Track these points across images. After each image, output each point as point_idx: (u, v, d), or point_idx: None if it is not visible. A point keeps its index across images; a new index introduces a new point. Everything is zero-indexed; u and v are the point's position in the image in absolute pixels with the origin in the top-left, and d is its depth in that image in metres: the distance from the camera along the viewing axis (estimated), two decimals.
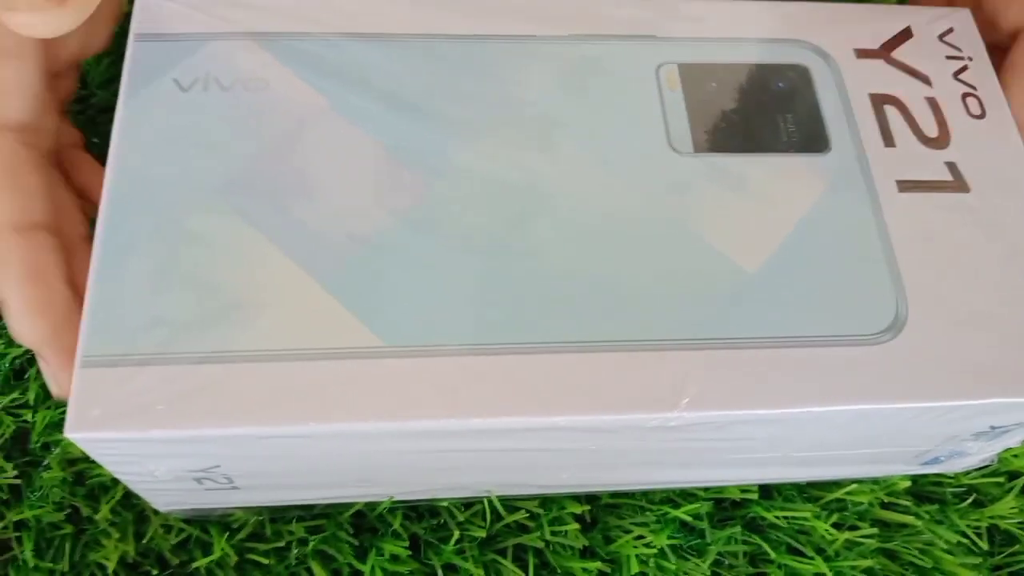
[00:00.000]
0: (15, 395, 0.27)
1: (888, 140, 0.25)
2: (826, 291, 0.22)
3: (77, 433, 0.19)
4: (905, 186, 0.24)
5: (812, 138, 0.25)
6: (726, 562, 0.27)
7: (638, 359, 0.21)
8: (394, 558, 0.26)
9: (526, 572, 0.26)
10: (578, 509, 0.26)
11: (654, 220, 0.23)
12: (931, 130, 0.25)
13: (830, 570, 0.27)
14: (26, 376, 0.28)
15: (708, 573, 0.26)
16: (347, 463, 0.22)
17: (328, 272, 0.21)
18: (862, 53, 0.26)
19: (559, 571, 0.26)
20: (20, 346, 0.28)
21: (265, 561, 0.25)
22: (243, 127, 0.23)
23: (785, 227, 0.23)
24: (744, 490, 0.27)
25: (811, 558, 0.27)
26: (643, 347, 0.21)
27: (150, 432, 0.19)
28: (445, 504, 0.26)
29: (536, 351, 0.21)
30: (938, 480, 0.29)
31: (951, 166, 0.24)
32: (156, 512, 0.26)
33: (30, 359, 0.28)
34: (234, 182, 0.22)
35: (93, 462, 0.27)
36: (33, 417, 0.27)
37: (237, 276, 0.21)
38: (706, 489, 0.27)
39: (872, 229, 0.23)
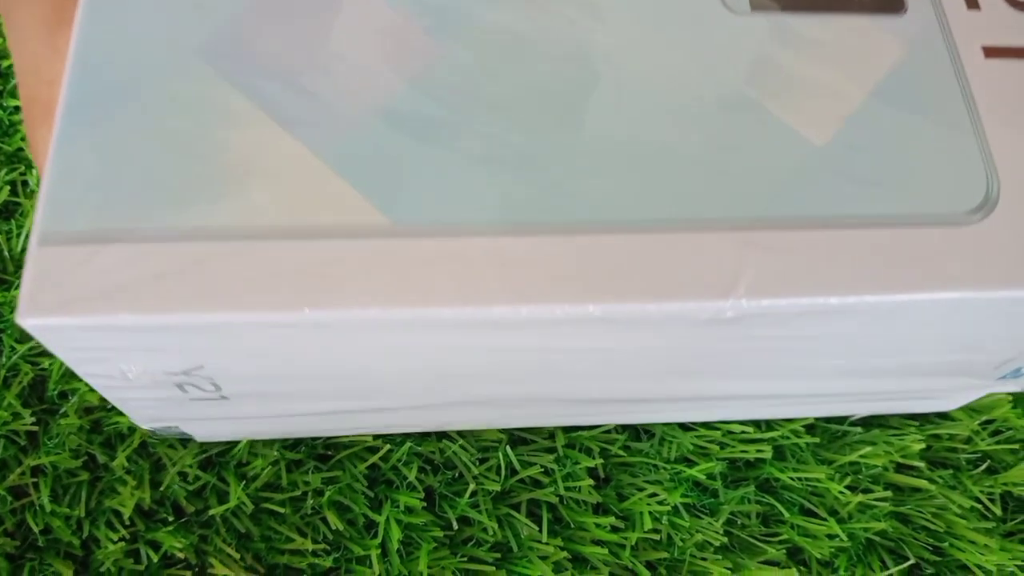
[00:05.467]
0: (32, 343, 0.28)
1: (971, 2, 0.22)
2: (906, 166, 0.20)
3: (30, 319, 0.17)
4: (992, 52, 0.21)
5: None
6: (739, 522, 0.27)
7: (688, 240, 0.18)
8: (409, 510, 0.26)
9: (540, 526, 0.26)
10: (591, 463, 0.26)
11: (705, 86, 0.20)
12: None
13: (843, 532, 0.27)
14: None
15: (721, 532, 0.26)
16: (348, 365, 0.20)
17: (325, 142, 0.19)
18: None
19: (572, 526, 0.26)
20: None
21: (281, 510, 0.25)
22: None
23: (857, 95, 0.20)
24: (759, 450, 0.27)
25: (824, 519, 0.27)
26: (694, 227, 0.18)
27: (117, 317, 0.17)
28: (459, 446, 0.26)
29: (570, 231, 0.18)
30: (952, 446, 0.29)
31: None
32: (172, 461, 0.26)
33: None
34: (218, 42, 0.20)
35: (110, 410, 0.27)
36: (50, 365, 0.27)
37: (221, 145, 0.19)
38: (722, 447, 0.27)
39: (957, 98, 0.21)
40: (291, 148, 0.19)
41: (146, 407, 0.21)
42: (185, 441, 0.26)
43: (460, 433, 0.27)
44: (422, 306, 0.17)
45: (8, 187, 0.30)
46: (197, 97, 0.19)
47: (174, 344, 0.18)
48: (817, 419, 0.28)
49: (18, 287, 0.29)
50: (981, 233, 0.19)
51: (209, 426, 0.24)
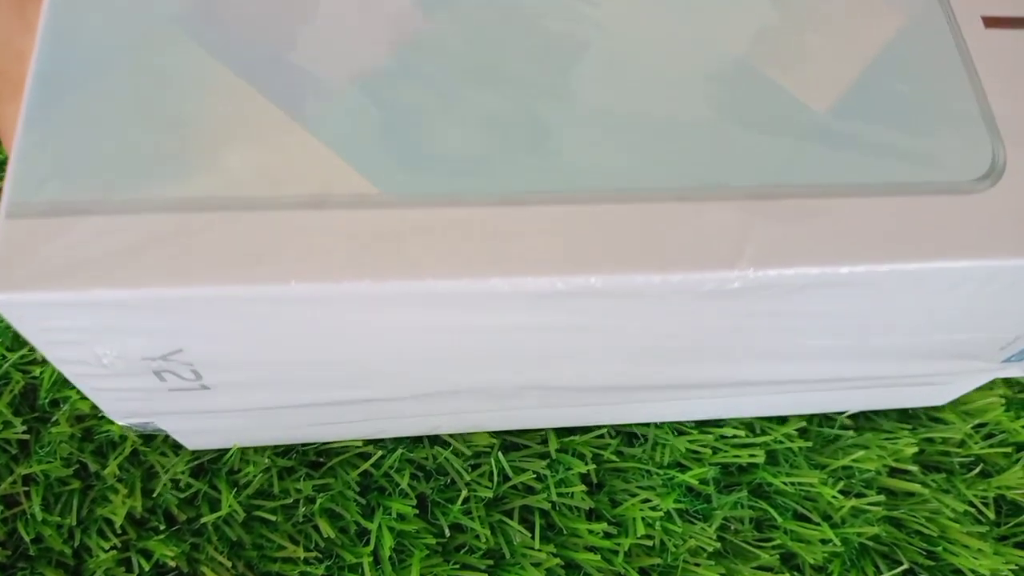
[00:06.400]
0: (24, 351, 0.28)
1: None
2: (910, 134, 0.19)
3: None
4: (992, 22, 0.21)
5: None
6: (732, 527, 0.27)
7: (691, 210, 0.18)
8: (401, 517, 0.26)
9: (532, 532, 0.26)
10: (584, 468, 0.26)
11: (705, 52, 0.20)
12: None
13: (836, 536, 0.27)
14: None
15: (714, 537, 0.26)
16: (335, 347, 0.19)
17: (309, 111, 0.18)
18: None
19: (565, 532, 0.26)
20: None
21: (272, 518, 0.25)
22: None
23: (857, 64, 0.20)
24: (751, 455, 0.27)
25: (817, 524, 0.27)
26: (697, 196, 0.18)
27: (90, 292, 0.16)
28: (451, 452, 0.26)
29: (568, 201, 0.18)
30: (945, 450, 0.29)
31: None
32: (164, 469, 0.26)
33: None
34: (195, 9, 0.19)
35: (102, 418, 0.27)
36: (41, 373, 0.27)
37: (198, 114, 0.18)
38: (714, 452, 0.27)
39: (958, 67, 0.20)
40: (274, 118, 0.18)
41: (122, 399, 0.20)
42: (177, 448, 0.26)
43: (452, 438, 0.27)
44: (415, 279, 0.17)
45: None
46: (171, 65, 0.18)
47: (151, 323, 0.17)
48: (809, 423, 0.28)
49: None
50: (989, 201, 0.19)
51: (188, 422, 0.23)
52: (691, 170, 0.18)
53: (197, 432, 0.24)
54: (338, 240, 0.17)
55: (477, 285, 0.17)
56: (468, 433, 0.27)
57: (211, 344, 0.18)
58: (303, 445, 0.27)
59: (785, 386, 0.24)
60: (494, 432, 0.27)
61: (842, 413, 0.29)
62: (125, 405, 0.21)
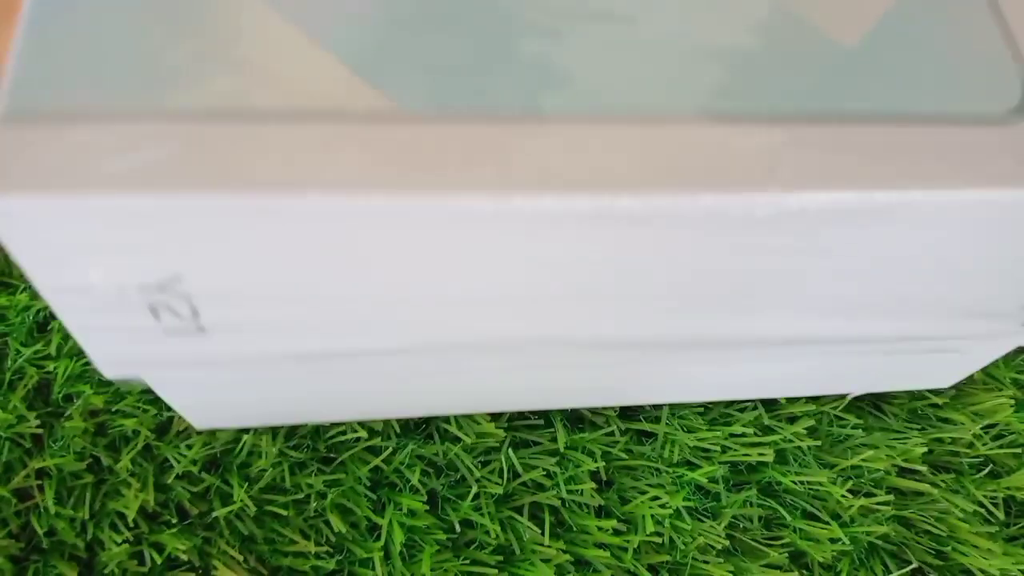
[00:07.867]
0: (38, 347, 0.28)
1: None
2: (940, 68, 0.19)
3: None
4: None
5: None
6: (741, 525, 0.27)
7: (720, 133, 0.17)
8: (411, 512, 0.26)
9: (542, 529, 0.26)
10: (593, 466, 0.27)
11: None
12: None
13: (845, 535, 0.27)
14: (49, 328, 0.28)
15: (723, 535, 0.26)
16: (342, 276, 0.18)
17: (323, 26, 0.18)
18: None
19: (574, 529, 0.26)
20: (43, 299, 0.29)
21: (284, 512, 0.26)
22: None
23: (882, 2, 0.20)
24: (760, 453, 0.27)
25: (826, 523, 0.27)
26: (725, 120, 0.18)
27: (90, 197, 0.15)
28: (461, 448, 0.27)
29: (594, 121, 0.17)
30: (954, 450, 0.29)
31: None
32: (176, 462, 0.26)
33: (53, 312, 0.29)
34: None
35: (115, 413, 0.27)
36: (55, 368, 0.28)
37: (209, 26, 0.17)
38: (723, 451, 0.27)
39: (983, 9, 0.20)
40: (288, 33, 0.17)
41: (112, 342, 0.19)
42: (189, 443, 0.27)
43: (462, 433, 0.27)
44: (435, 191, 0.16)
45: None
46: None
47: (152, 237, 0.16)
48: (819, 423, 0.29)
49: (23, 291, 0.29)
50: (1022, 133, 0.19)
51: (180, 377, 0.22)
52: (722, 96, 0.18)
53: (189, 393, 0.23)
54: (355, 154, 0.16)
55: (496, 203, 0.16)
56: (475, 422, 0.27)
57: (212, 270, 0.17)
58: (313, 440, 0.27)
59: (801, 348, 0.24)
60: (504, 428, 0.27)
61: (846, 396, 0.29)
62: (115, 350, 0.20)
